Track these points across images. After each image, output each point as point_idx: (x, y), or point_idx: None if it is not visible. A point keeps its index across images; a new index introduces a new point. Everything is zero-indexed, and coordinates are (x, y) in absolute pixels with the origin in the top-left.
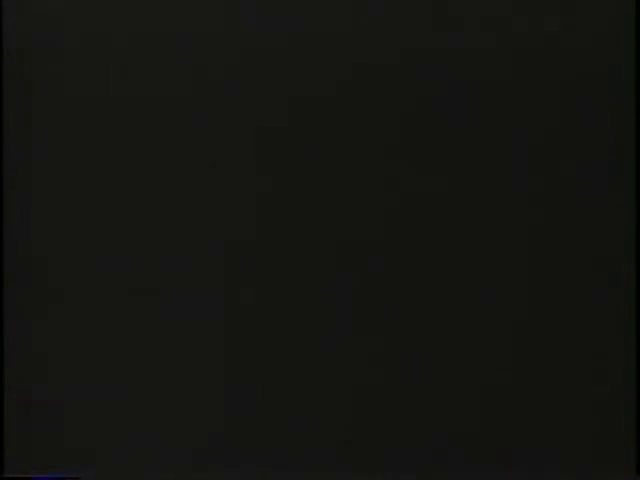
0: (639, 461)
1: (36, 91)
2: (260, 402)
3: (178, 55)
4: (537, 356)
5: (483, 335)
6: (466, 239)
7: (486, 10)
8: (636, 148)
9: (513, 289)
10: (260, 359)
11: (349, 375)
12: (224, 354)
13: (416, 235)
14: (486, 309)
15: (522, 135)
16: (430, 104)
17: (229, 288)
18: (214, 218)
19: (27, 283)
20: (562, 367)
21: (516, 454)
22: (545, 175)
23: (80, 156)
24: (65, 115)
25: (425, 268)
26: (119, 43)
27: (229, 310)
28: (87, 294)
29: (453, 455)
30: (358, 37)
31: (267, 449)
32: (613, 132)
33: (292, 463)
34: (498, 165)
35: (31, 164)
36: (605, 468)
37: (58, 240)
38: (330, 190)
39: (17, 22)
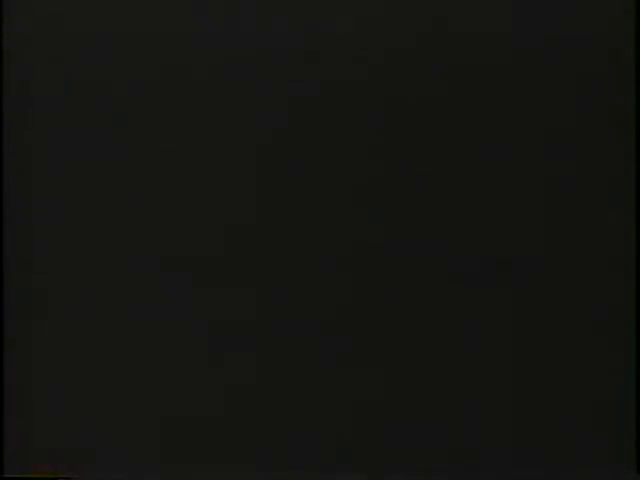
0: (639, 461)
1: (36, 91)
2: (259, 402)
3: (177, 55)
4: (537, 356)
5: (483, 335)
6: (465, 237)
7: (485, 10)
8: (636, 148)
9: (512, 289)
10: (260, 359)
11: (349, 376)
12: (224, 354)
13: (415, 235)
14: (487, 309)
15: (521, 135)
16: (429, 103)
17: (228, 288)
18: (212, 214)
19: (27, 283)
20: (562, 367)
21: (516, 454)
22: (544, 175)
23: (79, 156)
24: (65, 114)
25: (424, 269)
26: (118, 42)
27: (228, 309)
28: (87, 294)
29: (453, 455)
30: (352, 39)
31: (267, 449)
32: (613, 131)
33: (292, 463)
34: (497, 165)
35: (31, 164)
36: (605, 467)
37: (57, 240)
38: (332, 190)
39: (17, 22)
